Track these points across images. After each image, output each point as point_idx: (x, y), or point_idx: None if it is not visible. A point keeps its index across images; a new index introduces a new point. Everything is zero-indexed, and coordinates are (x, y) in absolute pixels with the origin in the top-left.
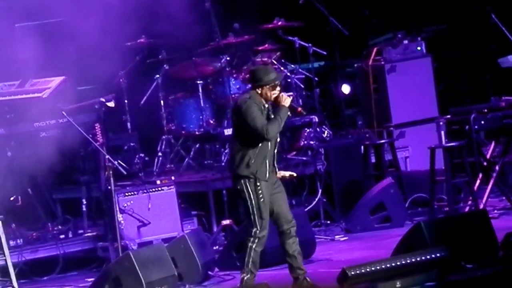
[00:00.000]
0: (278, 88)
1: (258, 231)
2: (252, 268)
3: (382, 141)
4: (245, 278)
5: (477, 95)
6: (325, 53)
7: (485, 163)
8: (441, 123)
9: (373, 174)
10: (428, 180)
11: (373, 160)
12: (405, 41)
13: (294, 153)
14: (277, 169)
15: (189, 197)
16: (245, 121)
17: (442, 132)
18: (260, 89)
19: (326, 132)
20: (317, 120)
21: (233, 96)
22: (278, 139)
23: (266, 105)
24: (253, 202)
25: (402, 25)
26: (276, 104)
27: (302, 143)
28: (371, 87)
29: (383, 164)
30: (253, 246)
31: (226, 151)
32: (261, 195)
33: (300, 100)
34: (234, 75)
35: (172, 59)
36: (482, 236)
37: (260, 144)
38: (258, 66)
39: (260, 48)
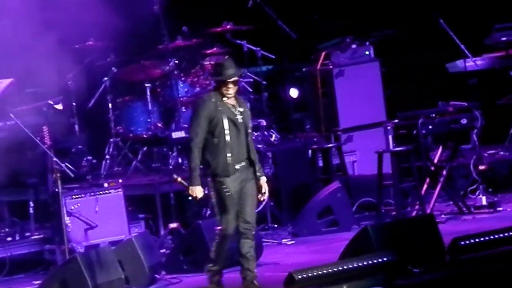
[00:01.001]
0: (232, 86)
1: (224, 228)
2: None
3: (330, 145)
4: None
5: (425, 100)
6: (273, 57)
7: (432, 168)
8: (388, 127)
9: (320, 178)
10: (376, 184)
11: (320, 164)
12: (353, 46)
13: None
14: (257, 168)
15: (137, 200)
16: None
17: (390, 137)
18: (218, 84)
19: (274, 136)
20: (265, 123)
21: (181, 99)
22: (249, 129)
23: (226, 100)
24: (214, 199)
25: (350, 30)
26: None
27: None
28: (319, 91)
29: (331, 168)
30: (218, 244)
31: (173, 154)
32: (224, 191)
33: (248, 104)
34: (182, 78)
35: (120, 62)
36: (429, 241)
37: (214, 140)
38: (221, 60)
39: (208, 51)
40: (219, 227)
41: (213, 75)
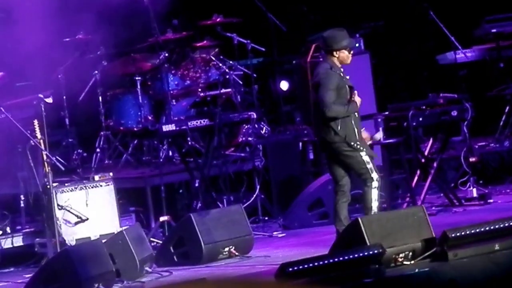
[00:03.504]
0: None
1: (377, 175)
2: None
3: None
4: None
5: (415, 92)
6: (263, 49)
7: (423, 160)
8: (379, 119)
9: (311, 170)
10: None
11: (311, 156)
12: None
13: (232, 149)
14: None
15: (127, 193)
16: (320, 87)
17: (380, 129)
18: (337, 53)
19: (264, 128)
20: (255, 116)
21: (171, 92)
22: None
23: (342, 69)
24: (362, 152)
25: (340, 22)
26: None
27: (240, 139)
28: (309, 84)
29: (321, 161)
30: (377, 193)
31: (164, 147)
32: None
33: (239, 96)
34: (173, 71)
35: (111, 55)
36: (420, 232)
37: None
38: (333, 31)
39: (198, 44)
40: (375, 177)
41: (331, 44)
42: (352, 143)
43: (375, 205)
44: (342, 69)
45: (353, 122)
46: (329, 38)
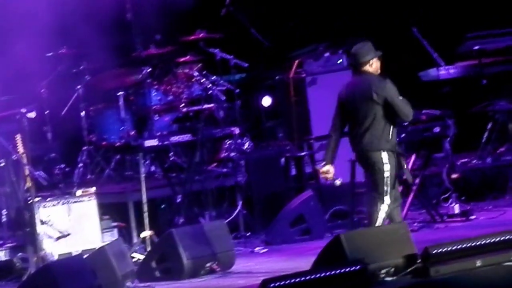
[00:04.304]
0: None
1: (390, 201)
2: None
3: (303, 153)
4: None
5: None
6: (246, 65)
7: (404, 176)
8: None
9: (293, 186)
10: (348, 193)
11: (293, 172)
12: (327, 54)
13: (215, 164)
14: None
15: (110, 208)
16: (391, 100)
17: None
18: (371, 63)
19: (246, 144)
20: (238, 131)
21: (154, 107)
22: None
23: None
24: (390, 174)
25: (323, 38)
26: None
27: (223, 154)
28: (292, 100)
29: (304, 177)
30: (384, 216)
31: (146, 162)
32: (394, 169)
33: (221, 112)
34: (155, 87)
35: (94, 70)
36: (401, 249)
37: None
38: (360, 44)
39: (181, 59)
40: (384, 203)
41: (366, 58)
42: (385, 157)
43: (380, 223)
44: None
45: (394, 137)
46: (359, 52)
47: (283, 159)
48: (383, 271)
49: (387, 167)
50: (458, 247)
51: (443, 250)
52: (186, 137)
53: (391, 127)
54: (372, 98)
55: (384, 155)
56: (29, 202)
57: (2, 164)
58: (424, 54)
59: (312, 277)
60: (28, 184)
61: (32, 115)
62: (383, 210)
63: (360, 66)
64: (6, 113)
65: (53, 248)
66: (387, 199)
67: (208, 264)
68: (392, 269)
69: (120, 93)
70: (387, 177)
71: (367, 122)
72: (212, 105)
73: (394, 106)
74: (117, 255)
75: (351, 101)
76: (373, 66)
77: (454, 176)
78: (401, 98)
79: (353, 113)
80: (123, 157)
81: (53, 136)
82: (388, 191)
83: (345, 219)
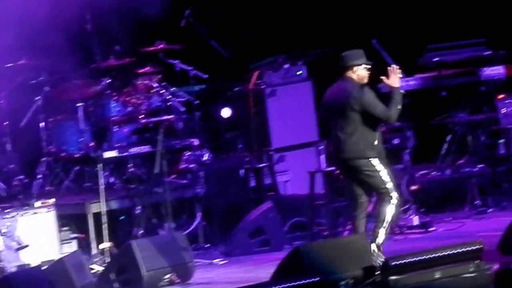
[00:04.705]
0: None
1: (396, 194)
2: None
3: (262, 165)
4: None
5: None
6: (206, 76)
7: None
8: (320, 147)
9: (252, 197)
10: (308, 204)
11: (252, 183)
12: (286, 65)
13: (174, 176)
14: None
15: (69, 220)
16: (368, 108)
17: (322, 157)
18: (355, 69)
19: (206, 155)
20: (197, 143)
21: (113, 118)
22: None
23: None
24: (383, 172)
25: (283, 49)
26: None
27: (182, 166)
28: (251, 111)
29: (263, 188)
30: (395, 211)
31: (105, 173)
32: (385, 167)
33: (181, 123)
34: (115, 98)
35: (53, 81)
36: (361, 260)
37: (375, 122)
38: (350, 50)
39: (141, 70)
40: (392, 198)
41: (350, 60)
42: (380, 160)
43: (388, 220)
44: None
45: (381, 139)
46: (347, 56)
47: (242, 171)
48: (342, 282)
49: (380, 168)
50: (417, 258)
51: (402, 262)
52: (145, 148)
53: (374, 133)
54: (350, 106)
55: (375, 162)
56: None
57: None
58: (384, 65)
59: None
60: None
61: None
62: (392, 206)
63: (344, 70)
64: None
65: (12, 260)
66: (394, 194)
67: (167, 276)
68: (351, 281)
69: (79, 104)
70: (382, 176)
71: (348, 130)
72: (171, 116)
73: (373, 112)
74: (76, 266)
75: (331, 107)
76: (358, 74)
77: (413, 187)
78: (378, 103)
79: (333, 120)
80: (82, 168)
81: (12, 147)
82: (391, 186)
83: (304, 230)
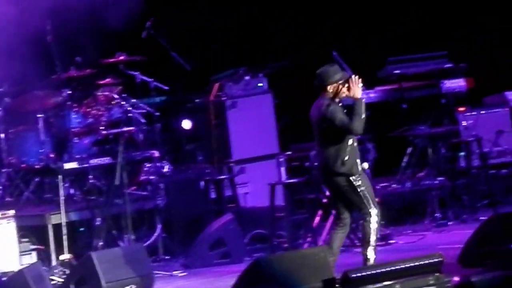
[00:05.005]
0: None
1: (376, 210)
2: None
3: (222, 176)
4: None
5: None
6: (166, 88)
7: (324, 200)
8: (281, 159)
9: (213, 209)
10: (268, 216)
11: (213, 195)
12: (247, 77)
13: (134, 187)
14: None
15: (29, 231)
16: (330, 122)
17: (282, 169)
18: (330, 87)
19: (166, 167)
20: (157, 155)
21: (73, 130)
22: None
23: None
24: (366, 187)
25: (244, 61)
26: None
27: (142, 177)
28: (212, 123)
29: (223, 200)
30: (376, 226)
31: (66, 185)
32: (363, 182)
33: (141, 135)
34: (75, 109)
35: (13, 92)
36: (321, 273)
37: (348, 140)
38: (325, 67)
39: (101, 82)
40: (371, 215)
41: (325, 79)
42: (353, 178)
43: (373, 239)
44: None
45: (355, 154)
46: (322, 74)
47: (202, 182)
48: None
49: (357, 184)
50: (378, 271)
51: (363, 274)
52: (105, 160)
53: (345, 148)
54: (320, 122)
55: (352, 178)
56: None
57: None
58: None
59: None
60: None
61: None
62: (373, 222)
63: (319, 88)
64: None
65: None
66: (372, 210)
67: None
68: None
69: (40, 115)
70: (362, 190)
71: (324, 145)
72: (132, 128)
73: (335, 125)
74: (36, 278)
75: (311, 123)
76: (332, 90)
77: None
78: (342, 115)
79: (314, 134)
80: (42, 180)
81: None
82: (370, 201)
83: (265, 243)
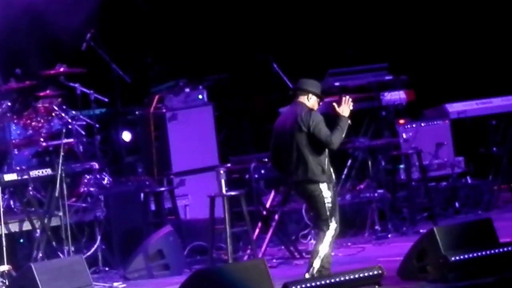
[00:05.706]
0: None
1: (336, 225)
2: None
3: (162, 188)
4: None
5: (258, 144)
6: (106, 100)
7: (264, 212)
8: (221, 171)
9: (152, 221)
10: (208, 228)
11: (153, 207)
12: (187, 89)
13: (74, 199)
14: None
15: None
16: (313, 130)
17: (222, 181)
18: (310, 96)
19: (106, 179)
20: (97, 167)
21: (13, 141)
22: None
23: None
24: (332, 201)
25: (184, 73)
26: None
27: (82, 189)
28: (152, 135)
29: (163, 212)
30: (331, 240)
31: (5, 196)
32: (334, 195)
33: (81, 147)
34: (15, 121)
35: None
36: (260, 285)
37: (325, 150)
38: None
39: (41, 93)
40: (330, 228)
41: (314, 90)
42: (331, 185)
43: (323, 251)
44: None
45: (329, 163)
46: (306, 81)
47: (142, 194)
48: None
49: (326, 194)
50: (317, 283)
51: (302, 286)
52: (45, 171)
53: (324, 157)
54: (299, 127)
55: (323, 186)
56: None
57: None
58: (286, 89)
59: None
60: None
61: None
62: (329, 235)
63: (298, 94)
64: None
65: None
66: (332, 224)
67: None
68: None
69: None
70: (328, 203)
71: (299, 154)
72: (71, 140)
73: (318, 135)
74: None
75: (282, 132)
76: (311, 101)
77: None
78: (324, 128)
79: (284, 145)
80: None
81: None
82: (332, 215)
83: (204, 255)
